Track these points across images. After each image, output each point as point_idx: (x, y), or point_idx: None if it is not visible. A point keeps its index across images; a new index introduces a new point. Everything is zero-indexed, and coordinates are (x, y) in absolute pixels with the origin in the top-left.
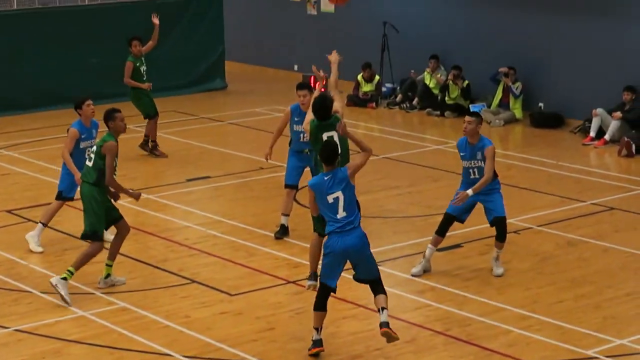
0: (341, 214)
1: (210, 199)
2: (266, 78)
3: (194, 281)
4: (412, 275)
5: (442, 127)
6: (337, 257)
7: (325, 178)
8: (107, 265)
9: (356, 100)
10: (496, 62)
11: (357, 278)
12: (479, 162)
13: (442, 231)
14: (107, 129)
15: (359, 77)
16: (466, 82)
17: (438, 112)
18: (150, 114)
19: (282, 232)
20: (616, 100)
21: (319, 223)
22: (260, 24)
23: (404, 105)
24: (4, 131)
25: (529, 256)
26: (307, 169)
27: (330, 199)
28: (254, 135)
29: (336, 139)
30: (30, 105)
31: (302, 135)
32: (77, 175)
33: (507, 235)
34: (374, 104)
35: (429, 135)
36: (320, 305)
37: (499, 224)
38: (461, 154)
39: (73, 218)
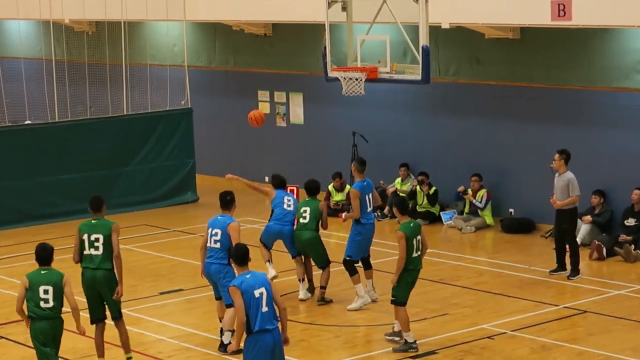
0: (264, 309)
1: (184, 311)
2: (237, 191)
3: None
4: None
5: None
6: (267, 355)
7: (247, 276)
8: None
9: (327, 210)
10: (465, 169)
11: None
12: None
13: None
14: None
15: (330, 186)
16: (433, 188)
17: None
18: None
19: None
20: (585, 204)
21: None
22: (230, 137)
23: (375, 214)
24: None
25: None
26: None
27: (257, 293)
28: None
29: None
30: (2, 223)
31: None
32: None
33: (482, 340)
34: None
35: None
36: None
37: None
38: None
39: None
